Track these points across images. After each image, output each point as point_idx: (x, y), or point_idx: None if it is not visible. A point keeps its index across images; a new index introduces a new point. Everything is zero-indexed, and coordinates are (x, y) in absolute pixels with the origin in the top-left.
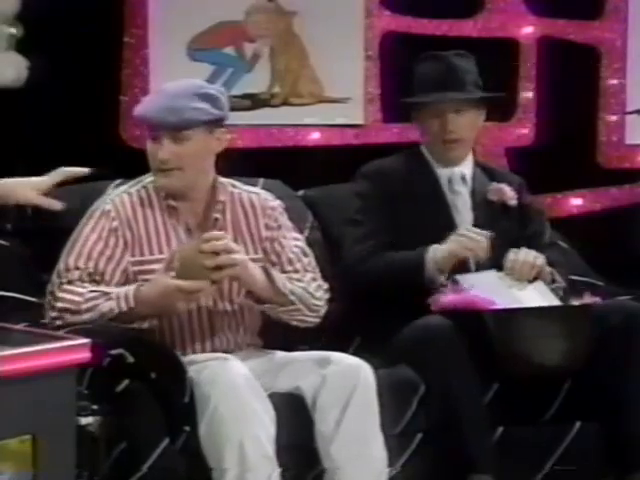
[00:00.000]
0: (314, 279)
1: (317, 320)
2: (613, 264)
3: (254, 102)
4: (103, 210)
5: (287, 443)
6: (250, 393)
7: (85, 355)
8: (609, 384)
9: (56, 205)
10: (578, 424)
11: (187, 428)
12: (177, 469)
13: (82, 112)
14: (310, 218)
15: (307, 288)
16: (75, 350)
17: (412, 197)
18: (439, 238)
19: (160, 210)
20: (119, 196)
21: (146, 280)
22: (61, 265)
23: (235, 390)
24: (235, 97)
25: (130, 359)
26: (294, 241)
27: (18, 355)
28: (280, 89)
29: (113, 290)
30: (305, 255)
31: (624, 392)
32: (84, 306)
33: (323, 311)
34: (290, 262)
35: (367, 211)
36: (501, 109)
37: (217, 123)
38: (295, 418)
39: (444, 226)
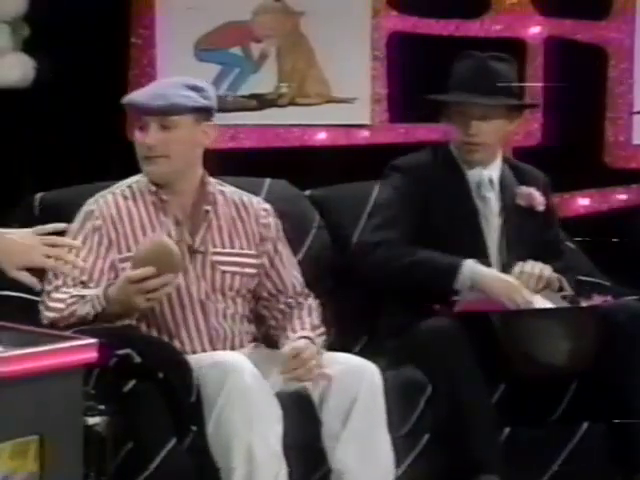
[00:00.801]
0: (314, 306)
1: None
2: (620, 264)
3: (261, 102)
4: (87, 211)
5: (294, 443)
6: (258, 392)
7: (92, 355)
8: (616, 384)
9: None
10: (585, 424)
11: (194, 428)
12: (184, 469)
13: (89, 112)
14: (317, 218)
15: (315, 322)
16: (82, 350)
17: (442, 198)
18: (463, 243)
19: (145, 206)
20: (103, 197)
21: None
22: (50, 272)
23: (243, 389)
24: (242, 97)
25: (137, 359)
26: (286, 250)
27: (25, 355)
28: (287, 89)
29: (88, 293)
30: (296, 267)
31: (631, 392)
32: (66, 312)
33: None
34: (285, 273)
35: (399, 202)
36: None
37: (204, 114)
38: (302, 418)
39: (470, 233)
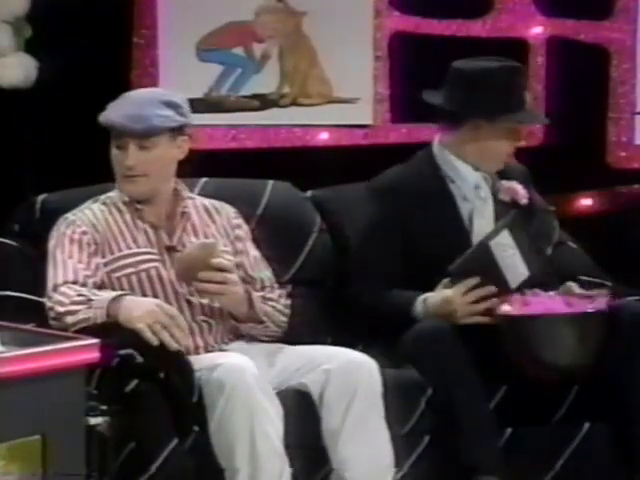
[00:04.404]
0: (281, 295)
1: (280, 333)
2: (622, 264)
3: (263, 102)
4: (68, 221)
5: (296, 442)
6: (259, 391)
7: (94, 355)
8: (618, 385)
9: None
10: (587, 425)
11: (196, 428)
12: (186, 469)
13: (91, 113)
14: (318, 220)
15: (277, 306)
16: (84, 350)
17: (426, 207)
18: (456, 247)
19: (121, 215)
20: (80, 211)
21: (120, 277)
22: (50, 284)
23: (244, 389)
24: (244, 97)
25: (139, 359)
26: (254, 250)
27: (27, 355)
28: (289, 89)
29: (95, 298)
30: (267, 267)
31: (633, 393)
32: (66, 309)
33: (286, 326)
34: (252, 269)
35: (376, 236)
36: None
37: (180, 130)
38: (303, 417)
39: (459, 234)
